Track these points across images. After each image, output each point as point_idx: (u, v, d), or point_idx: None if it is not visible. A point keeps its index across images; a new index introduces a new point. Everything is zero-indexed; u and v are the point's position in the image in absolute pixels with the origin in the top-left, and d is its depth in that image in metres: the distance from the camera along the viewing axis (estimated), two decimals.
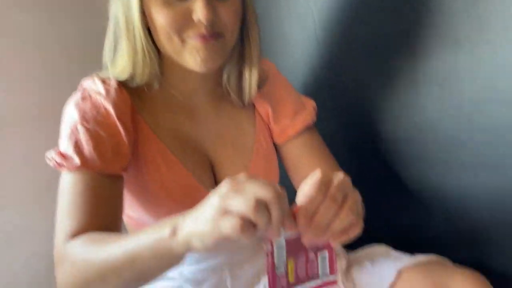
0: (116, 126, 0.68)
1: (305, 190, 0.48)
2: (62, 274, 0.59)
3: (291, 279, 0.49)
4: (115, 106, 0.69)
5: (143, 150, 0.72)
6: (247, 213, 0.44)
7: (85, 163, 0.65)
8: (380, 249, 0.84)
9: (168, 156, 0.73)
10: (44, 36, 1.03)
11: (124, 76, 0.71)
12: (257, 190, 0.45)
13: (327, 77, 0.98)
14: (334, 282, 0.51)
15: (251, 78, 0.76)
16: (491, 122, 0.74)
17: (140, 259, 0.53)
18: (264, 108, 0.82)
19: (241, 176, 0.47)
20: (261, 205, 0.44)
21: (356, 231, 0.49)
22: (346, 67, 0.93)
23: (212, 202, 0.47)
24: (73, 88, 0.75)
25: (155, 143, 0.73)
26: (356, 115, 0.95)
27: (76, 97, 0.71)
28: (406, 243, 0.85)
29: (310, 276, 0.50)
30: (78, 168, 0.65)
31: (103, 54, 0.74)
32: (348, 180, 0.50)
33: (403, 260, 0.76)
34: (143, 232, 0.54)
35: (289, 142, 0.83)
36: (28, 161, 1.02)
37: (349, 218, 0.47)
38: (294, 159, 0.83)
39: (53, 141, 0.72)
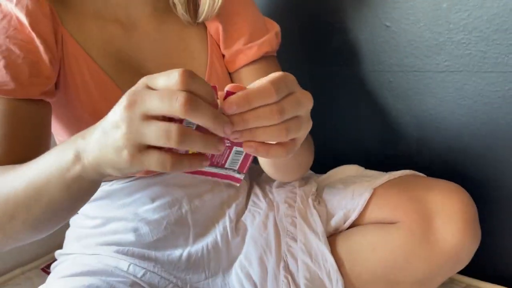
0: (32, 40, 0.56)
1: (264, 79, 0.38)
2: None
3: None
4: (30, 15, 0.56)
5: (70, 71, 0.60)
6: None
7: None
8: (351, 169, 0.78)
9: (101, 78, 0.61)
10: None
11: None
12: (157, 103, 0.35)
13: None
14: (237, 180, 0.44)
15: None
16: (470, 19, 0.67)
17: (46, 191, 0.45)
18: (215, 27, 0.69)
19: (141, 83, 0.38)
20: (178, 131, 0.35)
21: (278, 155, 0.40)
22: None
23: (115, 129, 0.37)
24: None
25: (86, 63, 0.61)
26: (320, 22, 0.85)
27: None
28: (377, 164, 0.80)
29: (214, 162, 0.42)
30: None
31: None
32: (310, 105, 0.40)
33: (377, 177, 0.71)
34: (44, 157, 0.46)
35: (241, 71, 0.70)
36: None
37: (280, 138, 0.38)
38: None
39: None
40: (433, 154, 0.79)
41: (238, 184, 0.44)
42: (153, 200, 0.68)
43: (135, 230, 0.68)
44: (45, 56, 0.56)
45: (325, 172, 0.81)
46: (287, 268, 0.66)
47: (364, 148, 0.88)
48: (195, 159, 0.38)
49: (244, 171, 0.43)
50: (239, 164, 0.43)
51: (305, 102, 0.40)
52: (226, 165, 0.42)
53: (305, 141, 0.49)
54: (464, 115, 0.73)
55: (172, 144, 0.35)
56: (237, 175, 0.43)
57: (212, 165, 0.42)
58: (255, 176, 0.86)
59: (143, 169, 0.38)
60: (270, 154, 0.40)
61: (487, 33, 0.66)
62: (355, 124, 0.88)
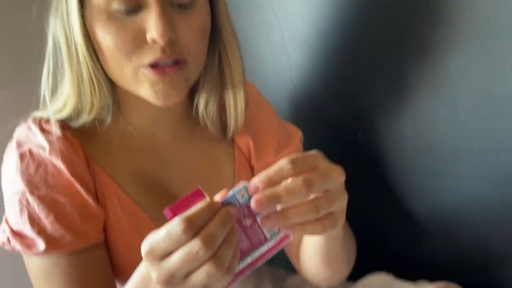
0: (72, 184, 0.55)
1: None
2: None
3: None
4: (65, 159, 0.55)
5: (104, 205, 0.59)
6: None
7: (52, 244, 0.53)
8: (380, 278, 0.75)
9: (132, 209, 0.61)
10: None
11: (67, 111, 0.57)
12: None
13: (302, 96, 0.90)
14: (286, 238, 0.43)
15: (236, 106, 0.63)
16: (489, 129, 0.68)
17: None
18: (244, 141, 0.70)
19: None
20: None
21: (314, 231, 0.42)
22: (320, 82, 0.86)
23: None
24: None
25: (116, 195, 0.60)
26: (339, 131, 0.87)
27: (12, 156, 0.56)
28: (403, 264, 0.78)
29: (256, 243, 0.42)
30: (45, 253, 0.52)
31: (41, 84, 0.59)
32: (340, 178, 0.43)
33: None
34: None
35: None
36: None
37: (310, 215, 0.41)
38: None
39: None
40: (461, 259, 0.77)
41: (292, 238, 0.43)
42: None
43: None
44: (88, 197, 0.56)
45: (352, 279, 0.78)
46: None
47: (388, 250, 0.86)
48: (235, 250, 0.40)
49: None
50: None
51: (332, 176, 0.41)
52: (268, 237, 0.42)
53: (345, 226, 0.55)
54: (490, 219, 0.72)
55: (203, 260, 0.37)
56: (281, 234, 0.43)
57: (256, 248, 0.42)
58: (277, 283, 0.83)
59: None
60: (307, 231, 0.41)
61: (508, 143, 0.67)
62: (381, 227, 0.87)
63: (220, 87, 0.63)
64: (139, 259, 0.59)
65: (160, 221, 0.61)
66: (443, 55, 0.68)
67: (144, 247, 0.39)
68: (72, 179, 0.55)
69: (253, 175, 0.71)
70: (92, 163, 0.60)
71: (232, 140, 0.70)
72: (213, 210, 0.39)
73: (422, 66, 0.71)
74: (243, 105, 0.64)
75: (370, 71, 0.78)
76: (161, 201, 0.63)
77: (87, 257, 0.55)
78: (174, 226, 0.38)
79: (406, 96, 0.75)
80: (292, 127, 0.76)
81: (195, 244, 0.37)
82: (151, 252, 0.39)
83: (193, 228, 0.38)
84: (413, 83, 0.73)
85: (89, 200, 0.56)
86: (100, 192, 0.59)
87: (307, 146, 0.80)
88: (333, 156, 0.88)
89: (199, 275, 0.37)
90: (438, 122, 0.73)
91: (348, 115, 0.84)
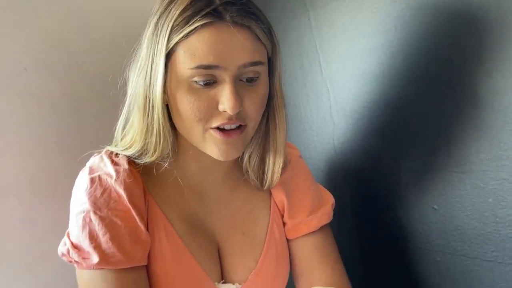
0: (129, 210, 0.64)
1: None
2: None
3: None
4: (127, 188, 0.64)
5: (152, 233, 0.67)
6: None
7: (104, 259, 0.60)
8: None
9: (175, 241, 0.68)
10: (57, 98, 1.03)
11: (133, 151, 0.66)
12: None
13: (342, 163, 0.96)
14: None
15: (274, 164, 0.72)
16: None
17: None
18: (280, 198, 0.78)
19: None
20: None
21: None
22: (361, 152, 0.92)
23: None
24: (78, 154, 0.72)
25: (164, 226, 0.68)
26: (373, 201, 0.92)
27: (84, 180, 0.65)
28: None
29: None
30: (97, 266, 0.60)
31: (117, 127, 0.70)
32: None
33: None
34: None
35: (300, 240, 0.77)
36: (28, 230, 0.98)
37: None
38: (303, 260, 0.77)
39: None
40: None
41: None
42: None
43: None
44: (140, 223, 0.64)
45: None
46: None
47: None
48: None
49: None
50: None
51: None
52: None
53: None
54: None
55: None
56: None
57: None
58: None
59: None
60: None
61: None
62: None
63: (264, 144, 0.72)
64: (175, 287, 0.66)
65: (197, 254, 0.68)
66: (474, 143, 0.74)
67: None
68: (129, 206, 0.64)
69: (284, 230, 0.78)
70: (148, 195, 0.69)
71: (270, 193, 0.78)
72: None
73: (454, 150, 0.77)
74: (280, 164, 0.72)
75: (408, 148, 0.84)
76: (200, 238, 0.70)
77: (131, 275, 0.62)
78: None
79: (437, 175, 0.80)
80: (326, 193, 0.83)
81: None
82: None
83: None
84: (445, 163, 0.78)
85: (141, 226, 0.64)
86: (151, 221, 0.68)
87: (341, 211, 0.85)
88: (360, 224, 0.93)
89: None
90: (468, 201, 0.76)
91: (385, 188, 0.89)
